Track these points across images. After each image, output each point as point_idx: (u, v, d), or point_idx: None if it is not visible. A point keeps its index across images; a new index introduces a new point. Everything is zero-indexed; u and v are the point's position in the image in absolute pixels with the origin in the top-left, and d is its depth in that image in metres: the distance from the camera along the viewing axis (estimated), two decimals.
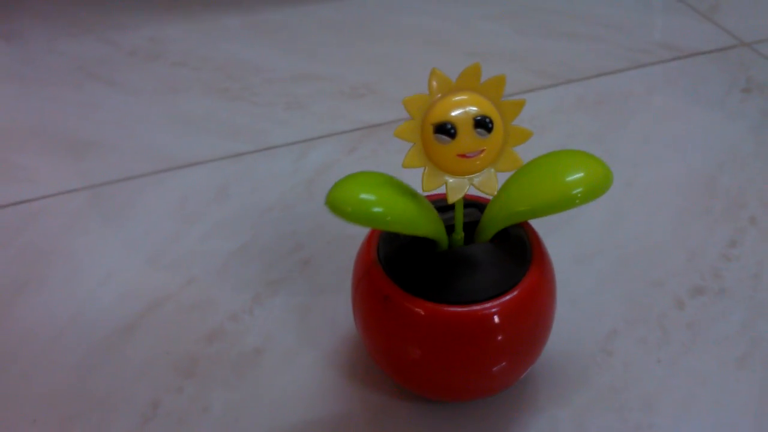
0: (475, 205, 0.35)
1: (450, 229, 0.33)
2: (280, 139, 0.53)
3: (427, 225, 0.31)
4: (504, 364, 0.33)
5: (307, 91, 0.58)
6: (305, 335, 0.39)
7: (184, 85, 0.59)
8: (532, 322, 0.33)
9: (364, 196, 0.29)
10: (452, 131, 0.29)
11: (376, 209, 0.29)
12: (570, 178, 0.32)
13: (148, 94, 0.59)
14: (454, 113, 0.29)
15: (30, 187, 0.50)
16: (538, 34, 0.65)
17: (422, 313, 0.31)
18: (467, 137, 0.29)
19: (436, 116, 0.29)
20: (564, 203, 0.31)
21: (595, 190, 0.32)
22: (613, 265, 0.43)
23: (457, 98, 0.29)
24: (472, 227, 0.34)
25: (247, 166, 0.51)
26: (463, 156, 0.29)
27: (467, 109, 0.29)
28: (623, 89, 0.57)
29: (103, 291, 0.42)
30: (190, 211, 0.48)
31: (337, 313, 0.40)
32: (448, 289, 0.31)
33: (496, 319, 0.31)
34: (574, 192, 0.31)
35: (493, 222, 0.33)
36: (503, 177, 0.32)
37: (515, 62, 0.61)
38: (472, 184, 0.30)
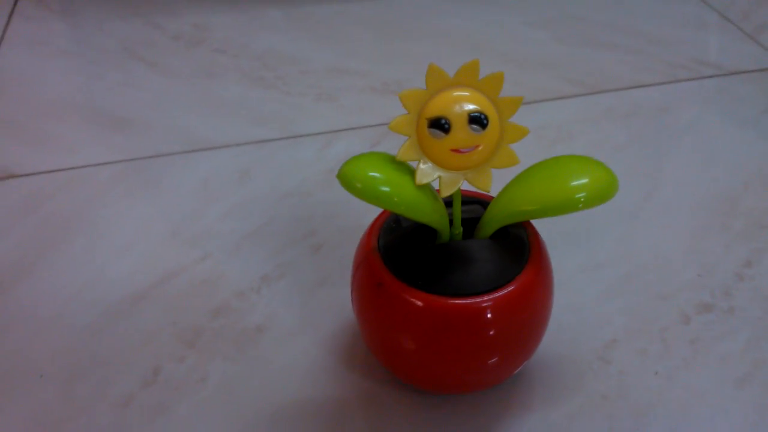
0: (479, 203, 0.36)
1: (450, 223, 0.34)
2: (306, 129, 0.54)
3: (431, 213, 0.31)
4: (493, 360, 0.33)
5: (339, 84, 0.59)
6: (307, 318, 0.40)
7: (221, 71, 0.61)
8: (524, 320, 0.33)
9: (374, 174, 0.30)
10: (446, 126, 0.29)
11: (384, 188, 0.30)
12: (574, 183, 0.32)
13: (185, 77, 0.61)
14: (448, 108, 0.30)
15: (66, 156, 0.52)
16: (577, 43, 0.64)
17: (413, 301, 0.32)
18: (461, 132, 0.30)
19: (431, 111, 0.30)
20: (566, 206, 0.31)
21: (598, 196, 0.32)
22: (622, 275, 0.43)
23: (453, 94, 0.30)
24: (473, 223, 0.34)
25: (271, 152, 0.52)
26: (457, 151, 0.30)
27: (462, 104, 0.30)
28: (656, 103, 0.57)
29: (122, 260, 0.44)
30: (212, 191, 0.49)
31: (340, 299, 0.41)
32: (441, 280, 0.32)
33: (487, 314, 0.31)
34: (577, 196, 0.31)
35: (493, 219, 0.33)
36: (509, 176, 0.33)
37: (549, 69, 0.61)
38: (466, 179, 0.31)
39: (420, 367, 0.34)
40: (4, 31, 0.66)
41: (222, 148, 0.53)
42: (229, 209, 0.48)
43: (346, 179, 0.30)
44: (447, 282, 0.32)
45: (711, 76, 0.59)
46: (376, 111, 0.56)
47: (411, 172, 0.31)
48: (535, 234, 0.35)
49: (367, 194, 0.30)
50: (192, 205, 0.48)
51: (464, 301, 0.31)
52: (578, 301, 0.41)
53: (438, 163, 0.30)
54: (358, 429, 0.35)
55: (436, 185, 0.31)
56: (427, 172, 0.30)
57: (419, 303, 0.32)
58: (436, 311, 0.31)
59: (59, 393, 0.37)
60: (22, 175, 0.50)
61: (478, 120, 0.30)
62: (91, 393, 0.37)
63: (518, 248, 0.33)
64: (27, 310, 0.41)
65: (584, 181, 0.32)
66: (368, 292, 0.33)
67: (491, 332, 0.32)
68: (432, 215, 0.31)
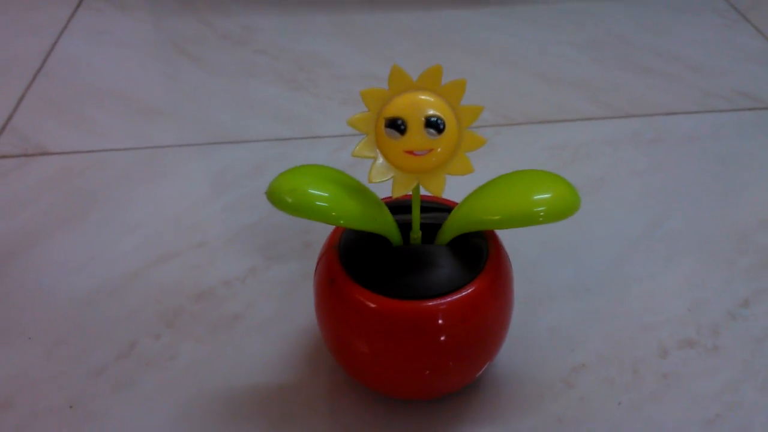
0: (447, 210, 0.36)
1: (409, 228, 0.34)
2: (325, 131, 0.56)
3: (368, 222, 0.32)
4: (437, 366, 0.33)
5: None
6: (284, 311, 0.41)
7: (258, 71, 0.63)
8: (472, 329, 0.33)
9: (310, 188, 0.31)
10: (402, 127, 0.30)
11: (321, 203, 0.31)
12: (537, 197, 0.32)
13: (224, 75, 0.63)
14: (407, 110, 0.30)
15: (97, 139, 0.55)
16: (615, 66, 0.63)
17: (360, 300, 0.32)
18: (416, 135, 0.30)
19: (390, 111, 0.30)
20: (527, 219, 0.31)
21: (559, 212, 0.32)
22: (608, 300, 0.41)
23: (413, 96, 0.30)
24: (435, 230, 0.34)
25: (287, 151, 0.54)
26: (411, 153, 0.30)
27: (421, 107, 0.30)
28: (685, 131, 0.55)
29: (126, 239, 0.46)
30: (224, 182, 0.51)
31: None
32: (390, 282, 0.32)
33: (432, 318, 0.32)
34: (537, 210, 0.31)
35: (453, 226, 0.33)
36: (476, 184, 0.33)
37: (581, 89, 0.60)
38: (419, 182, 0.31)
39: (366, 366, 0.34)
40: (69, 20, 0.71)
41: (242, 143, 0.55)
42: (235, 201, 0.49)
43: (275, 195, 0.30)
44: (396, 284, 0.32)
45: (749, 109, 0.57)
46: None
47: (343, 182, 0.32)
48: (497, 245, 0.35)
49: (298, 209, 0.30)
50: (202, 193, 0.50)
51: (409, 304, 0.32)
52: (556, 321, 0.40)
53: (393, 163, 0.31)
54: (307, 424, 0.36)
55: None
56: (381, 170, 0.31)
57: (365, 302, 0.32)
58: (382, 312, 0.32)
59: (42, 355, 0.39)
60: (55, 153, 0.54)
61: (434, 124, 0.30)
62: (70, 359, 0.39)
63: (475, 257, 0.33)
64: (32, 275, 0.44)
65: (546, 195, 0.32)
66: (322, 287, 0.34)
67: (437, 337, 0.32)
68: (371, 224, 0.32)
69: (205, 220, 0.48)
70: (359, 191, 0.32)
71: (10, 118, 0.57)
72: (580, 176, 0.51)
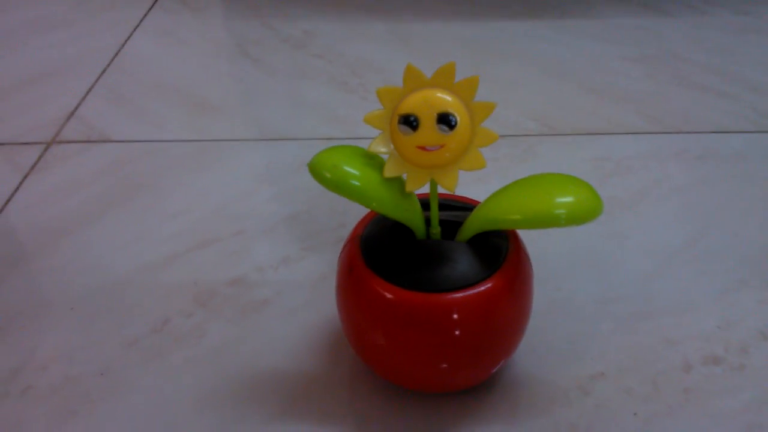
0: (471, 209, 0.36)
1: (428, 223, 0.35)
2: (368, 133, 0.57)
3: (399, 209, 0.33)
4: (445, 360, 0.33)
5: None
6: (312, 299, 0.42)
7: (313, 74, 0.65)
8: (484, 327, 0.33)
9: (345, 166, 0.32)
10: (415, 123, 0.31)
11: (354, 182, 0.32)
12: (559, 199, 0.32)
13: (281, 76, 0.66)
14: (419, 107, 0.31)
15: (155, 131, 0.58)
16: (668, 82, 0.62)
17: (376, 289, 0.33)
18: (428, 131, 0.31)
19: (403, 108, 0.31)
20: (546, 221, 0.32)
21: (580, 216, 0.32)
22: (635, 313, 0.41)
23: (426, 93, 0.31)
24: (456, 227, 0.35)
25: None
26: (423, 148, 0.31)
27: (433, 104, 0.31)
28: (733, 151, 0.53)
29: (171, 223, 0.49)
30: (268, 176, 0.53)
31: None
32: (406, 274, 0.33)
33: (444, 312, 0.32)
34: (558, 212, 0.32)
35: (473, 224, 0.34)
36: (500, 184, 0.33)
37: (630, 103, 0.59)
38: (433, 177, 0.31)
39: (379, 354, 0.35)
40: (142, 20, 0.75)
41: (290, 140, 0.57)
42: (276, 194, 0.51)
43: (315, 169, 0.32)
44: (412, 276, 0.33)
45: None
46: None
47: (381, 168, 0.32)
48: (518, 246, 0.35)
49: (336, 185, 0.32)
50: (246, 186, 0.52)
51: (423, 296, 0.32)
52: (579, 328, 0.40)
53: (406, 158, 0.31)
54: (323, 410, 0.37)
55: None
56: (394, 165, 0.32)
57: (381, 291, 0.33)
58: (396, 302, 0.32)
59: (81, 325, 0.41)
60: (115, 141, 0.57)
61: (446, 120, 0.30)
62: (107, 330, 0.41)
63: (493, 255, 0.34)
64: (81, 252, 0.47)
65: (569, 199, 0.32)
66: (342, 276, 0.35)
67: (450, 331, 0.33)
68: (400, 212, 0.33)
69: (246, 210, 0.50)
70: (394, 179, 0.33)
71: (78, 106, 0.61)
72: (620, 189, 0.50)
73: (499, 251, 0.34)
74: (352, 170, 0.32)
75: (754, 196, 0.49)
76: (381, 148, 0.32)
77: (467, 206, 0.36)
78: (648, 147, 0.54)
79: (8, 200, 0.51)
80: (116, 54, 0.69)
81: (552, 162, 0.53)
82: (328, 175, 0.32)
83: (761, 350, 0.38)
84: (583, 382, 0.37)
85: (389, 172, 0.32)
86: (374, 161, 0.33)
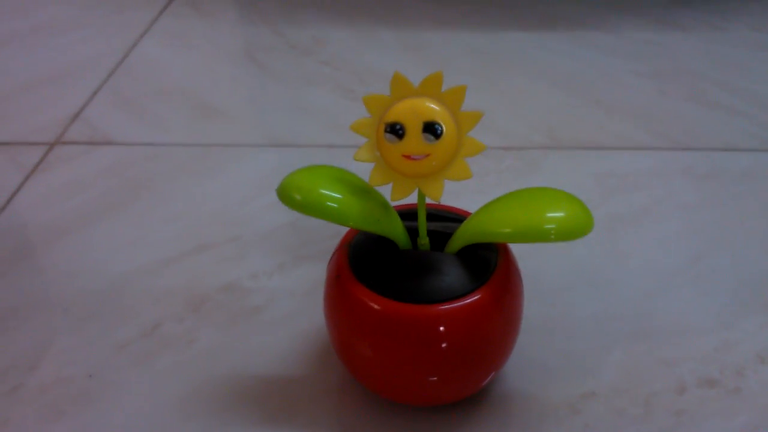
0: (461, 221, 0.36)
1: (416, 234, 0.34)
2: None
3: (374, 224, 0.32)
4: (428, 373, 0.33)
5: None
6: (304, 308, 0.42)
7: (319, 81, 0.65)
8: (470, 340, 0.32)
9: (320, 188, 0.32)
10: (400, 132, 0.30)
11: (331, 204, 0.32)
12: (550, 214, 0.32)
13: (287, 82, 0.66)
14: (406, 115, 0.30)
15: (158, 134, 0.58)
16: (680, 98, 0.61)
17: (359, 298, 0.33)
18: (414, 140, 0.30)
19: (390, 116, 0.31)
20: (536, 235, 0.31)
21: (570, 232, 0.31)
22: (631, 332, 0.40)
23: (413, 102, 0.31)
24: (446, 238, 0.35)
25: (334, 157, 0.55)
26: (408, 157, 0.31)
27: (419, 113, 0.30)
28: (741, 168, 0.52)
29: (168, 227, 0.49)
30: (269, 183, 0.52)
31: None
32: (392, 284, 0.32)
33: (426, 323, 0.32)
34: (548, 227, 0.31)
35: (462, 235, 0.33)
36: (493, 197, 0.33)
37: (639, 119, 0.58)
38: (418, 187, 0.31)
39: (363, 365, 0.34)
40: (152, 24, 0.75)
41: (293, 147, 0.57)
42: (275, 201, 0.49)
43: (285, 192, 0.32)
44: (397, 286, 0.32)
45: None
46: None
47: (352, 183, 0.32)
48: (507, 260, 0.34)
49: (307, 207, 0.31)
50: (246, 192, 0.52)
51: (408, 307, 0.32)
52: (574, 347, 0.39)
53: (392, 167, 0.31)
54: (308, 419, 0.36)
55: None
56: (380, 174, 0.31)
57: (366, 300, 0.32)
58: (380, 311, 0.32)
59: (72, 326, 0.41)
60: (118, 144, 0.57)
61: (431, 129, 0.30)
62: (98, 333, 0.41)
63: (481, 268, 0.33)
64: (77, 253, 0.47)
65: (560, 214, 0.32)
66: (329, 284, 0.35)
67: (434, 343, 0.32)
68: (377, 226, 0.32)
69: (243, 216, 0.49)
70: (366, 192, 0.32)
71: (83, 108, 0.61)
72: (623, 205, 0.49)
73: (488, 264, 0.33)
74: (324, 192, 0.32)
75: (760, 216, 0.48)
76: (367, 157, 0.31)
77: (459, 217, 0.36)
78: (654, 163, 0.54)
79: (9, 199, 0.51)
80: (124, 57, 0.69)
81: (556, 176, 0.53)
82: (298, 198, 0.32)
83: (758, 374, 0.37)
84: (573, 400, 0.36)
85: (375, 181, 0.31)
86: (344, 179, 0.33)
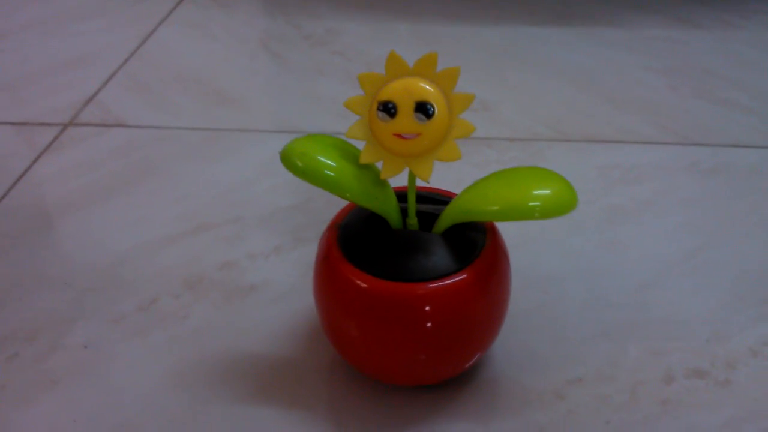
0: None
1: (405, 214, 0.34)
2: None
3: (371, 199, 0.33)
4: (412, 351, 0.33)
5: None
6: (298, 288, 0.43)
7: (331, 71, 0.66)
8: (454, 319, 0.33)
9: (318, 155, 0.32)
10: (393, 110, 0.31)
11: (329, 172, 0.32)
12: (535, 192, 0.32)
13: (300, 71, 0.66)
14: (399, 94, 0.31)
15: (170, 118, 0.59)
16: (690, 94, 0.60)
17: (346, 276, 0.33)
18: (406, 119, 0.31)
19: (383, 95, 0.31)
20: (520, 213, 0.31)
21: (554, 209, 0.31)
22: (623, 322, 0.40)
23: (406, 82, 0.31)
24: (434, 219, 0.35)
25: None
26: (399, 136, 0.31)
27: (412, 93, 0.31)
28: (747, 165, 0.52)
29: (173, 207, 0.50)
30: (273, 167, 0.53)
31: None
32: (378, 262, 0.33)
33: (411, 301, 0.32)
34: (532, 204, 0.31)
35: (448, 215, 0.33)
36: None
37: (647, 114, 0.58)
38: (408, 166, 0.31)
39: (349, 343, 0.35)
40: (170, 12, 0.76)
41: (300, 134, 0.57)
42: (278, 185, 0.51)
43: (287, 157, 0.32)
44: (382, 265, 0.33)
45: None
46: None
47: (354, 157, 0.32)
48: (495, 241, 0.34)
49: (308, 174, 0.32)
50: (250, 175, 0.52)
51: (392, 285, 0.32)
52: (564, 334, 0.39)
53: (383, 145, 0.31)
54: (294, 396, 0.37)
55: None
56: (371, 152, 0.32)
57: (352, 279, 0.33)
58: (365, 290, 0.32)
59: (72, 299, 0.42)
60: (130, 126, 0.58)
61: (423, 109, 0.30)
62: (96, 305, 0.42)
63: (468, 248, 0.33)
64: (83, 229, 0.48)
65: (545, 192, 0.32)
66: (318, 263, 0.35)
67: (419, 321, 0.32)
68: (373, 201, 0.33)
69: (246, 198, 0.50)
70: (366, 168, 0.33)
71: (98, 91, 0.63)
72: (626, 197, 0.49)
73: (475, 245, 0.34)
74: (325, 159, 0.32)
75: (762, 212, 0.47)
76: (359, 135, 0.32)
77: (449, 200, 0.36)
78: (660, 157, 0.53)
79: (20, 177, 0.52)
80: (141, 44, 0.70)
81: (558, 167, 0.51)
82: (300, 164, 0.32)
83: (749, 367, 0.37)
84: (559, 386, 0.36)
85: (365, 158, 0.32)
86: (347, 151, 0.33)
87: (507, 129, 0.57)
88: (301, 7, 0.78)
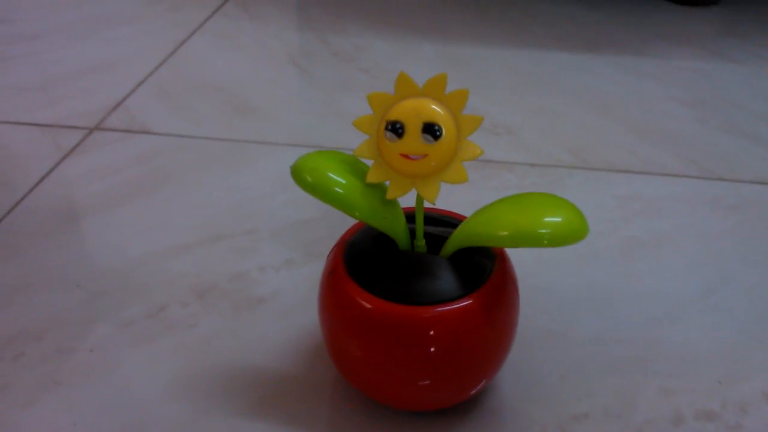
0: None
1: (413, 236, 0.34)
2: None
3: (380, 218, 0.32)
4: (413, 375, 0.33)
5: None
6: (306, 304, 0.42)
7: (355, 87, 0.66)
8: (458, 346, 0.32)
9: (329, 172, 0.32)
10: (400, 131, 0.30)
11: (338, 189, 0.32)
12: (545, 219, 0.31)
13: (324, 87, 0.67)
14: (407, 115, 0.31)
15: (193, 127, 0.60)
16: (717, 127, 0.59)
17: (348, 293, 0.33)
18: (413, 140, 0.30)
19: (391, 114, 0.31)
20: (529, 240, 0.31)
21: (564, 237, 0.31)
22: (634, 357, 0.39)
23: (415, 102, 0.31)
24: (442, 242, 0.34)
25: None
26: (406, 156, 0.31)
27: (420, 113, 0.30)
28: None
29: (189, 215, 0.50)
30: (291, 181, 0.53)
31: None
32: (381, 283, 0.32)
33: (412, 324, 0.31)
34: (542, 231, 0.30)
35: (456, 238, 0.33)
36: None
37: (673, 145, 0.57)
38: (414, 187, 0.31)
39: (350, 363, 0.34)
40: (203, 23, 0.77)
41: (320, 149, 0.57)
42: (294, 199, 0.51)
43: (297, 172, 0.32)
44: (386, 285, 0.32)
45: None
46: None
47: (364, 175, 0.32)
48: (504, 268, 0.34)
49: (318, 190, 0.32)
50: (267, 188, 0.53)
51: (394, 306, 0.32)
52: (572, 366, 0.39)
53: (390, 165, 0.31)
54: (291, 412, 0.36)
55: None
56: (378, 171, 0.32)
57: (354, 296, 0.32)
58: (367, 310, 0.32)
59: (82, 302, 0.43)
60: (153, 133, 0.59)
61: (431, 130, 0.30)
62: (106, 309, 0.42)
63: (475, 274, 0.33)
64: (99, 233, 0.48)
65: (556, 219, 0.31)
66: (325, 279, 0.35)
67: (420, 345, 0.32)
68: (382, 221, 0.32)
69: (261, 211, 0.50)
70: (377, 187, 0.32)
71: (126, 98, 0.63)
72: (644, 230, 0.48)
73: (483, 270, 0.33)
74: (334, 176, 0.32)
75: None
76: (366, 154, 0.32)
77: (459, 223, 0.36)
78: (682, 190, 0.52)
79: (42, 178, 0.53)
80: (173, 53, 0.71)
81: (577, 195, 0.51)
82: (310, 179, 0.32)
83: (761, 411, 0.36)
84: (564, 421, 0.36)
85: (372, 177, 0.32)
86: (358, 169, 0.33)
87: (529, 154, 0.56)
88: (331, 23, 0.78)
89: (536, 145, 0.58)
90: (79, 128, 0.59)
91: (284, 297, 0.43)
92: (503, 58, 0.71)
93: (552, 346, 0.40)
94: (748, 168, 0.54)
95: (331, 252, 0.36)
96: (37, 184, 0.53)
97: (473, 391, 0.35)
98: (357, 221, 0.37)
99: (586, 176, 0.54)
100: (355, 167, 0.33)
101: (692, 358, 0.39)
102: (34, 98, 0.64)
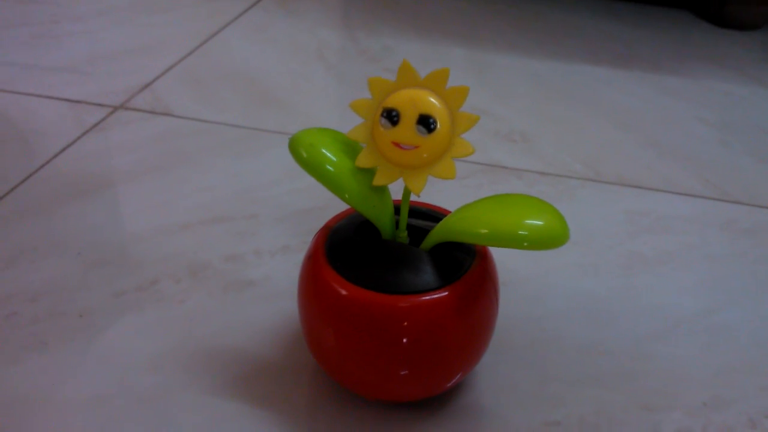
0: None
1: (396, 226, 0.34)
2: None
3: (367, 204, 0.32)
4: (386, 364, 0.32)
5: None
6: (294, 290, 0.42)
7: None
8: (429, 337, 0.32)
9: (324, 150, 0.32)
10: (395, 119, 0.30)
11: (329, 167, 0.32)
12: (527, 221, 0.31)
13: (347, 83, 0.67)
14: (404, 104, 0.30)
15: (216, 112, 0.61)
16: (741, 151, 0.58)
17: (324, 278, 0.33)
18: (406, 129, 0.30)
19: (389, 102, 0.31)
20: (508, 240, 0.30)
21: (543, 241, 0.30)
22: (619, 371, 0.38)
23: (414, 92, 0.31)
24: (424, 235, 0.34)
25: None
26: (397, 145, 0.31)
27: (417, 104, 0.30)
28: None
29: (195, 196, 0.51)
30: (298, 171, 0.53)
31: None
32: (358, 270, 0.32)
33: (385, 313, 0.31)
34: (522, 233, 0.30)
35: (437, 232, 0.33)
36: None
37: (692, 165, 0.56)
38: (402, 177, 0.31)
39: (322, 348, 0.34)
40: (240, 15, 0.79)
41: None
42: (299, 188, 0.52)
43: (294, 146, 0.32)
44: (362, 273, 0.32)
45: None
46: (485, 152, 0.57)
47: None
48: (484, 265, 0.33)
49: (311, 166, 0.32)
50: (274, 175, 0.53)
51: (368, 294, 0.32)
52: (553, 374, 0.38)
53: (381, 152, 0.31)
54: (266, 391, 0.36)
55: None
56: (368, 156, 0.32)
57: (329, 281, 0.32)
58: (340, 295, 0.32)
59: (80, 270, 0.44)
60: (175, 116, 0.60)
61: (425, 122, 0.30)
62: (101, 279, 0.43)
63: (452, 268, 0.33)
64: (108, 207, 0.49)
65: (537, 222, 0.31)
66: (305, 263, 0.35)
67: (391, 334, 0.32)
68: (370, 207, 0.32)
69: (265, 197, 0.51)
70: (370, 173, 0.32)
71: (154, 81, 0.65)
72: (649, 246, 0.47)
73: (461, 265, 0.33)
74: (330, 155, 0.32)
75: None
76: (360, 137, 0.32)
77: (443, 217, 0.35)
78: (695, 210, 0.51)
79: (62, 150, 0.55)
80: (205, 41, 0.73)
81: (586, 207, 0.51)
82: (304, 154, 0.32)
83: None
84: (535, 426, 0.35)
85: (361, 161, 0.32)
86: (356, 152, 0.33)
87: (541, 162, 0.56)
88: (363, 21, 0.79)
89: (550, 155, 0.57)
90: (105, 106, 0.61)
91: (274, 282, 0.43)
92: (530, 68, 0.71)
93: (537, 353, 0.39)
94: (765, 193, 0.53)
95: (314, 237, 0.36)
96: (56, 155, 0.54)
97: (448, 384, 0.34)
98: (347, 207, 0.37)
99: (598, 188, 0.53)
100: (353, 150, 0.33)
101: (680, 376, 0.38)
102: (67, 76, 0.66)
